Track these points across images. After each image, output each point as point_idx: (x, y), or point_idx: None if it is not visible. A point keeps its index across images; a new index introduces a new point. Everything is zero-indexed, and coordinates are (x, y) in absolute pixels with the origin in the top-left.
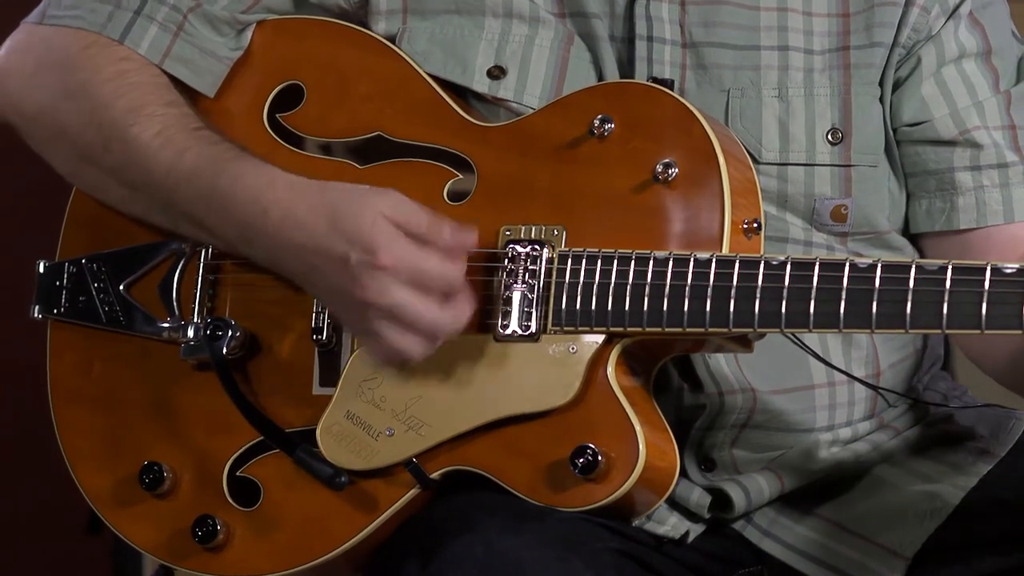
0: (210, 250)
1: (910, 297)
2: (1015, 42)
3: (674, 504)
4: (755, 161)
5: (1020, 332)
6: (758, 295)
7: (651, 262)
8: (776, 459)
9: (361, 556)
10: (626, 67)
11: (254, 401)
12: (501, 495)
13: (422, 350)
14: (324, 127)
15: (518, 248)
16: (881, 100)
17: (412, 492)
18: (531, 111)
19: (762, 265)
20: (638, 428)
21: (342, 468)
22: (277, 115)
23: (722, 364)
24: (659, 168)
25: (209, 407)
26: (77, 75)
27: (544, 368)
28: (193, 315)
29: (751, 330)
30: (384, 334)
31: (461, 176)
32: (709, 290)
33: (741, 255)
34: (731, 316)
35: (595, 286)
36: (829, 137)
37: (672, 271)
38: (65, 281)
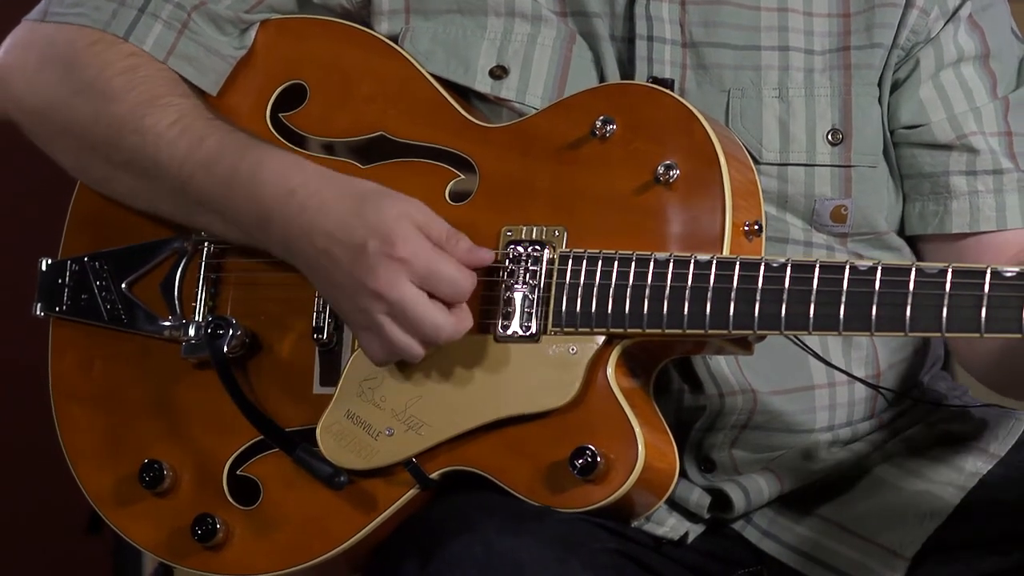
0: (212, 248)
1: (910, 300)
2: (1015, 43)
3: (674, 505)
4: (755, 161)
5: (1020, 336)
6: (758, 297)
7: (652, 264)
8: (776, 459)
9: (360, 556)
10: (626, 67)
11: (254, 400)
12: (500, 495)
13: (419, 351)
14: (327, 127)
15: (519, 249)
16: (880, 101)
17: (411, 492)
18: (533, 111)
19: (762, 267)
20: (637, 429)
21: (342, 467)
22: (280, 114)
23: (722, 365)
24: (660, 169)
25: (210, 406)
26: (86, 71)
27: (544, 369)
28: (194, 314)
29: (751, 332)
30: (386, 329)
31: (463, 176)
32: (709, 292)
33: (741, 257)
34: (731, 318)
35: (595, 287)
36: (829, 137)
37: (672, 273)
38: (67, 279)
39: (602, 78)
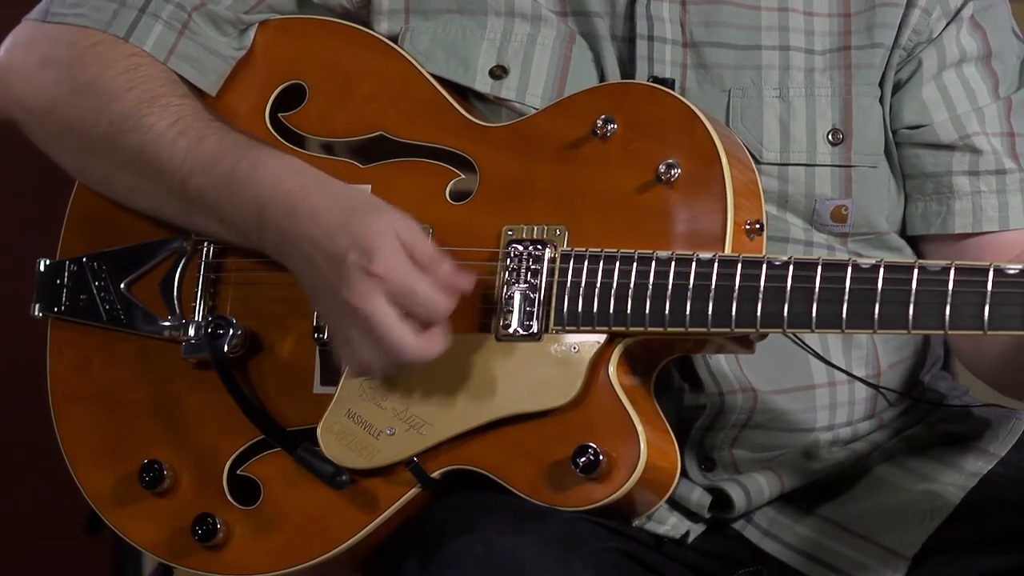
0: (211, 248)
1: (913, 298)
2: (1016, 43)
3: (674, 504)
4: (756, 161)
5: (1023, 333)
6: (760, 296)
7: (653, 262)
8: (776, 459)
9: (361, 555)
10: (627, 66)
11: (255, 400)
12: (502, 495)
13: (381, 367)
14: (326, 127)
15: (520, 248)
16: (881, 101)
17: (413, 491)
18: (533, 111)
19: (765, 266)
20: (639, 428)
21: (343, 467)
22: (279, 114)
23: (723, 364)
24: (662, 169)
25: (209, 406)
26: (87, 71)
27: (546, 368)
28: (194, 314)
29: (753, 331)
30: (354, 342)
31: (463, 176)
32: (711, 290)
33: (744, 255)
34: (733, 317)
35: (597, 286)
36: (830, 137)
37: (674, 271)
38: (66, 279)
39: (602, 78)
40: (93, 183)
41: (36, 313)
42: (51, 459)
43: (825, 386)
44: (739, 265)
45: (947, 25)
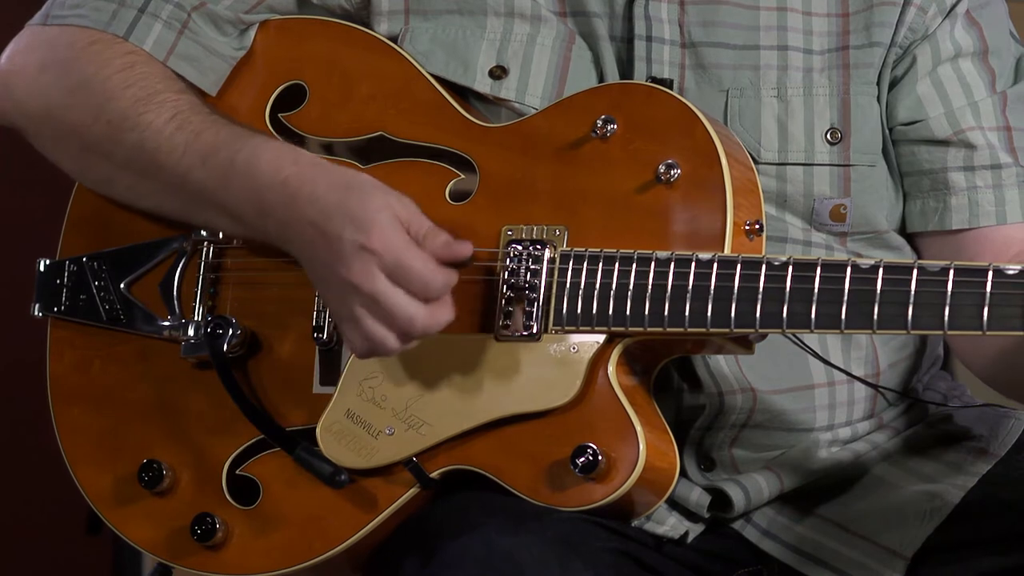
0: (211, 248)
1: (912, 299)
2: (1013, 42)
3: (674, 504)
4: (754, 161)
5: (1022, 334)
6: (760, 296)
7: (653, 263)
8: (775, 459)
9: (361, 555)
10: (625, 67)
11: (254, 400)
12: (501, 495)
13: (396, 344)
14: (326, 127)
15: (520, 248)
16: (878, 100)
17: (412, 491)
18: (533, 111)
19: (764, 266)
20: (639, 428)
21: (342, 467)
22: (279, 115)
23: (722, 364)
24: (661, 169)
25: (209, 406)
26: (84, 70)
27: (545, 368)
28: (194, 313)
29: (752, 331)
30: (363, 321)
31: (463, 176)
32: (711, 291)
33: (743, 256)
34: (733, 317)
35: (597, 286)
36: (828, 137)
37: (674, 272)
38: (66, 279)
39: (601, 78)
40: (96, 184)
41: (36, 313)
42: (51, 459)
43: (824, 386)
44: (738, 265)
45: (942, 21)
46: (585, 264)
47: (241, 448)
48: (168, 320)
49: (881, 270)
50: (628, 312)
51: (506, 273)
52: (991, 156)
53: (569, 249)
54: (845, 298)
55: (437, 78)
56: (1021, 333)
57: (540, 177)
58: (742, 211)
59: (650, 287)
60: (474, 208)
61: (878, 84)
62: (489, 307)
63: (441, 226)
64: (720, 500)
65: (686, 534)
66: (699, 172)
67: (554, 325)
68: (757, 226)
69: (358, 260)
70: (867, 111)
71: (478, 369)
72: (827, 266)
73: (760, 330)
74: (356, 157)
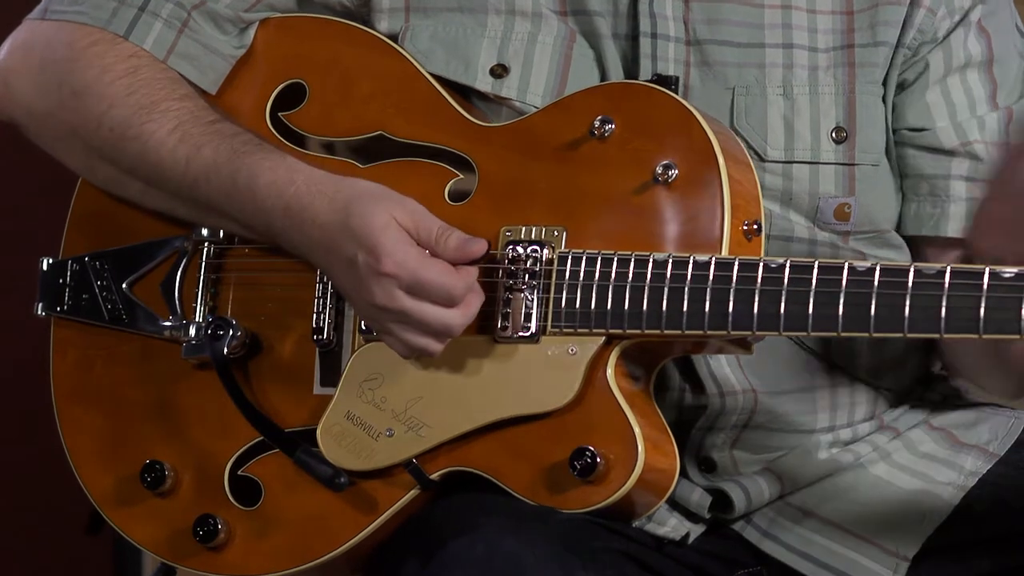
0: (212, 249)
1: (908, 301)
2: (1019, 39)
3: (674, 505)
4: (760, 159)
5: (1019, 337)
6: (756, 297)
7: (650, 264)
8: (776, 460)
9: (361, 556)
10: (630, 65)
11: (254, 401)
12: (501, 496)
13: (438, 346)
14: (326, 126)
15: (518, 249)
16: (884, 100)
17: (412, 493)
18: (534, 110)
19: (761, 267)
20: (637, 430)
21: (342, 468)
22: (279, 114)
23: (723, 365)
24: (659, 169)
25: (210, 406)
26: (86, 72)
27: (544, 370)
28: (195, 314)
29: (750, 333)
30: (400, 334)
31: (462, 176)
32: (708, 292)
33: (740, 257)
34: (730, 318)
35: (594, 287)
36: (833, 135)
37: (671, 273)
38: (68, 279)
39: (604, 76)
40: (102, 184)
41: (39, 312)
42: (53, 459)
43: (826, 387)
44: (735, 267)
45: (956, 27)
46: (583, 265)
47: (243, 449)
48: (169, 320)
49: (878, 272)
50: (626, 313)
51: (504, 274)
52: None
53: (567, 250)
54: (842, 300)
55: (437, 77)
56: (1016, 336)
57: (539, 177)
58: (740, 211)
59: (647, 288)
60: (473, 208)
61: (884, 84)
62: (488, 309)
63: None
64: (721, 501)
65: (687, 535)
66: (696, 172)
67: (552, 327)
68: (755, 226)
69: (377, 285)
70: (872, 111)
71: (477, 371)
72: (824, 268)
73: (757, 332)
74: (356, 156)
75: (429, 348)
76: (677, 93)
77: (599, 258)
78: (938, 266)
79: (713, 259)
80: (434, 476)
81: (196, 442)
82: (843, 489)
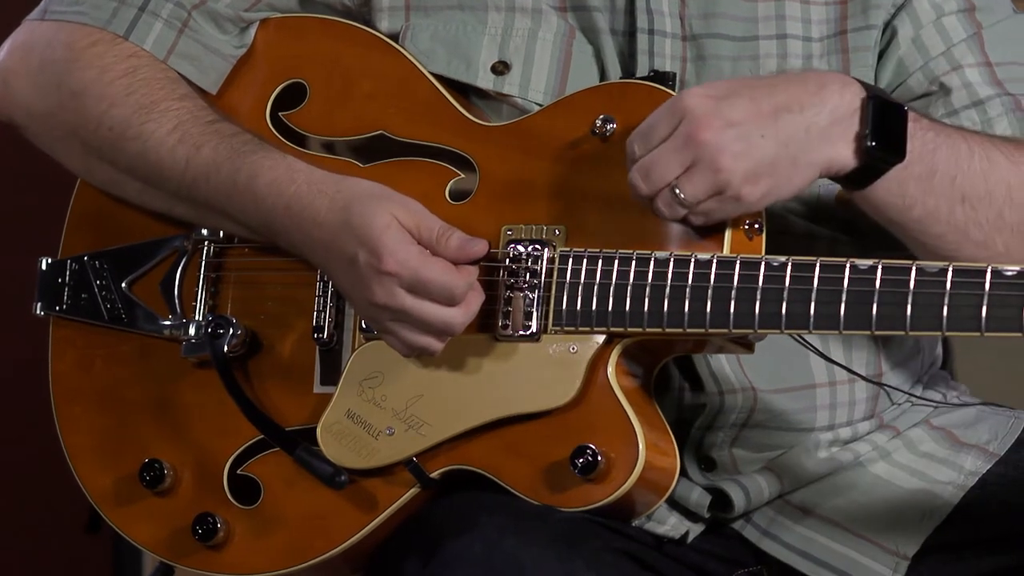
0: (212, 247)
1: (910, 299)
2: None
3: (674, 504)
4: None
5: (1021, 335)
6: (759, 296)
7: (652, 263)
8: (776, 459)
9: (361, 555)
10: (627, 61)
11: (254, 399)
12: (501, 495)
13: (439, 345)
14: (327, 125)
15: (519, 248)
16: (876, 81)
17: (412, 491)
18: (536, 106)
19: (763, 266)
20: (638, 428)
21: (342, 467)
22: (280, 113)
23: (723, 363)
24: None
25: (210, 405)
26: (86, 73)
27: (544, 368)
28: (195, 313)
29: (751, 331)
30: (400, 333)
31: (463, 175)
32: (710, 291)
33: (742, 256)
34: (731, 317)
35: (596, 286)
36: None
37: (673, 272)
38: (67, 278)
39: (603, 72)
40: (102, 184)
41: (38, 312)
42: (52, 458)
43: (826, 386)
44: (737, 265)
45: None
46: (584, 264)
47: (242, 448)
48: (169, 319)
49: (880, 270)
50: (627, 312)
51: (505, 273)
52: (969, 95)
53: (568, 249)
54: (844, 298)
55: (438, 77)
56: (1018, 334)
57: (540, 176)
58: None
59: (649, 287)
60: (474, 208)
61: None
62: (489, 307)
63: None
64: (720, 500)
65: (686, 534)
66: None
67: (553, 325)
68: (756, 225)
69: (377, 283)
70: None
71: (478, 369)
72: (826, 266)
73: (759, 331)
74: (357, 156)
75: (430, 347)
76: (674, 89)
77: (600, 257)
78: (940, 264)
79: (715, 258)
80: (434, 475)
81: (195, 441)
82: (843, 488)
